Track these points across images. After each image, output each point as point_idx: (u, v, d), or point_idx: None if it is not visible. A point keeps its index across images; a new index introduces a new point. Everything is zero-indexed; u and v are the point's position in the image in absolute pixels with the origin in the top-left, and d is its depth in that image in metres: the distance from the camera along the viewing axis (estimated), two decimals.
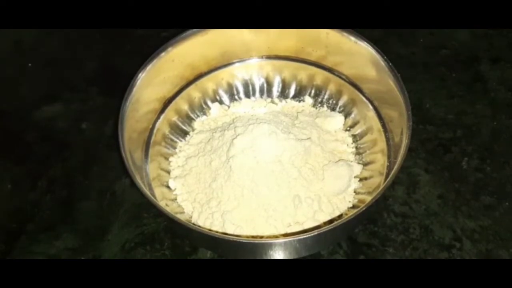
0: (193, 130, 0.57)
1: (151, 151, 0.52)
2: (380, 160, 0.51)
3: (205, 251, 0.50)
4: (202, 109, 0.58)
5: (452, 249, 0.49)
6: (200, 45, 0.53)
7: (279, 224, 0.47)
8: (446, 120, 0.59)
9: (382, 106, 0.52)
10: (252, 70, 0.58)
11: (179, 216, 0.48)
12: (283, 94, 0.59)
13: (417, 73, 0.63)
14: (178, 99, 0.55)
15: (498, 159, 0.55)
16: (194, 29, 0.52)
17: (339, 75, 0.55)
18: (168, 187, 0.52)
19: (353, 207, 0.49)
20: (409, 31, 0.67)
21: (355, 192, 0.51)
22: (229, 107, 0.59)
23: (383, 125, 0.52)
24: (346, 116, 0.56)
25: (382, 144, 0.51)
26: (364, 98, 0.54)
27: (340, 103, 0.57)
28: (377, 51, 0.49)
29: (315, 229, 0.40)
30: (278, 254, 0.43)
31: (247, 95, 0.59)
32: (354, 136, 0.55)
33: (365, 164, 0.52)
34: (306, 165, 0.49)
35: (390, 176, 0.43)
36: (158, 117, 0.54)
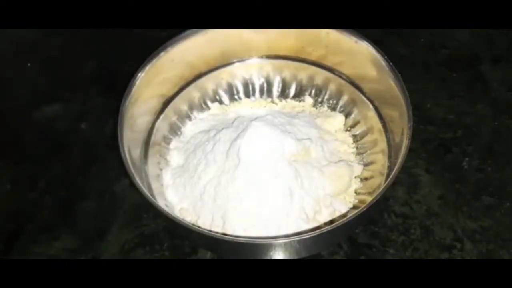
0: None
1: (150, 151, 0.52)
2: (380, 161, 0.50)
3: (205, 251, 0.49)
4: (202, 109, 0.58)
5: (453, 250, 0.49)
6: (199, 45, 0.53)
7: None
8: (446, 120, 0.58)
9: (383, 106, 0.52)
10: (252, 70, 0.58)
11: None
12: (283, 94, 0.59)
13: (417, 73, 0.63)
14: (177, 99, 0.55)
15: (499, 159, 0.55)
16: (194, 29, 0.52)
17: (339, 75, 0.55)
18: None
19: (354, 207, 0.49)
20: (409, 31, 0.67)
21: (355, 192, 0.51)
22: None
23: (384, 125, 0.51)
24: (346, 116, 0.56)
25: (382, 144, 0.51)
26: (364, 98, 0.54)
27: (341, 103, 0.57)
28: (377, 51, 0.49)
29: (316, 230, 0.40)
30: (278, 255, 0.43)
31: (247, 95, 0.59)
32: (354, 136, 0.55)
33: (366, 165, 0.52)
34: (306, 165, 0.49)
35: (391, 176, 0.43)
36: (157, 117, 0.53)
